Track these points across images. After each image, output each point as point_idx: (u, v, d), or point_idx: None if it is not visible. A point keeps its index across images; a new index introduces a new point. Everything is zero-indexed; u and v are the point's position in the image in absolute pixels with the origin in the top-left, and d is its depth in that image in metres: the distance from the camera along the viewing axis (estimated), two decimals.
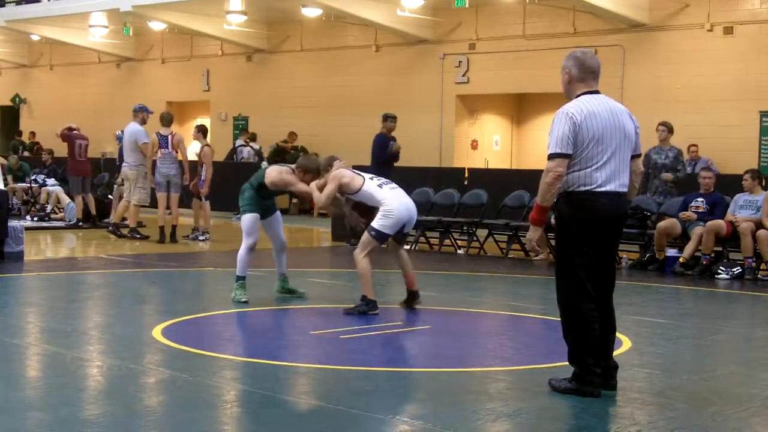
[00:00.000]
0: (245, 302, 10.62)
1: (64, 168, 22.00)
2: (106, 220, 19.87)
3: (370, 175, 10.55)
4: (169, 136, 17.54)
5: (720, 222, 14.24)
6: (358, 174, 10.51)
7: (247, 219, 10.76)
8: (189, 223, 18.84)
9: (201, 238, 17.89)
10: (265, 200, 10.89)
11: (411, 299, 10.66)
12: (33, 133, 32.71)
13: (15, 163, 24.11)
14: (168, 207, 17.61)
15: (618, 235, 7.04)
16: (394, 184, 10.56)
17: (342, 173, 10.46)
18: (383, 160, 17.82)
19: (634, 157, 7.01)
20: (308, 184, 10.51)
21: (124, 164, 18.27)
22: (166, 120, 17.83)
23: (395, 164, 17.95)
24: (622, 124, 6.87)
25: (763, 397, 7.09)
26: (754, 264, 13.97)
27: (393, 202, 10.23)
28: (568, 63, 6.98)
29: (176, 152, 17.55)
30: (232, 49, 28.31)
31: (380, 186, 10.37)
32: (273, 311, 10.59)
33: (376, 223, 10.19)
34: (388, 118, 18.26)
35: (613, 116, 6.84)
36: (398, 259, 10.71)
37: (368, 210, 10.55)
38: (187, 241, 17.70)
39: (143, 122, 18.11)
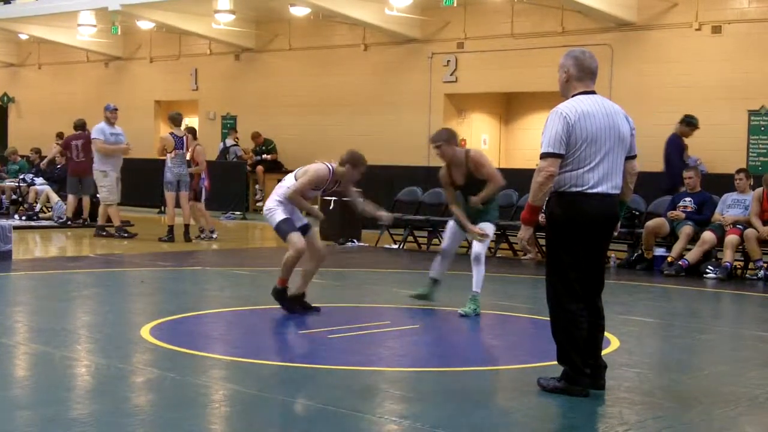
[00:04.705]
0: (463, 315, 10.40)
1: (55, 167, 22.11)
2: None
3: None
4: (185, 138, 17.60)
5: (711, 236, 14.23)
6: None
7: None
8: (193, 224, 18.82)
9: (214, 236, 17.99)
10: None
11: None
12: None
13: (11, 154, 24.42)
14: (178, 206, 17.69)
15: (608, 237, 7.03)
16: (281, 180, 10.32)
17: None
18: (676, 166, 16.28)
19: (630, 158, 7.01)
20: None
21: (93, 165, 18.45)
22: (176, 120, 17.84)
23: None
24: (617, 126, 6.85)
25: (751, 396, 7.11)
26: (731, 267, 14.03)
27: None
28: (567, 62, 6.94)
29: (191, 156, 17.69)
30: (220, 48, 28.25)
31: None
32: (261, 311, 10.56)
33: None
34: (690, 123, 16.66)
35: (608, 117, 6.82)
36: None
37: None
38: (198, 241, 17.75)
39: (109, 121, 18.14)
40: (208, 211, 18.95)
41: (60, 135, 29.89)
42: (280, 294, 10.19)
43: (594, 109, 6.80)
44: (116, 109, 18.52)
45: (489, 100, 24.94)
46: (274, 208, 10.05)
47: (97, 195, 21.26)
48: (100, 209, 18.20)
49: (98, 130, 18.14)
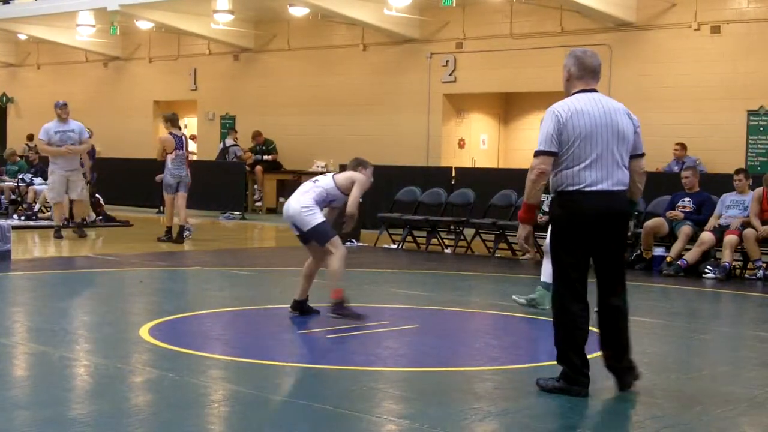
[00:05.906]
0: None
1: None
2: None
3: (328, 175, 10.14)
4: (183, 138, 17.55)
5: (710, 236, 14.21)
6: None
7: None
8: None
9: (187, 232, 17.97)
10: None
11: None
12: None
13: (10, 156, 24.41)
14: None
15: (616, 233, 6.92)
16: (315, 180, 9.97)
17: None
18: None
19: (636, 156, 7.00)
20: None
21: None
22: (174, 120, 17.69)
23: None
24: (614, 122, 6.82)
25: (750, 396, 7.11)
26: (729, 267, 14.02)
27: None
28: (568, 61, 6.97)
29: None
30: (219, 48, 28.25)
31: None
32: (260, 310, 10.57)
33: None
34: None
35: (605, 114, 6.80)
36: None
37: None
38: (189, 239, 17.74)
39: (60, 118, 17.84)
40: (204, 211, 18.94)
41: (30, 137, 29.86)
42: (340, 306, 9.77)
43: (589, 106, 6.79)
44: (65, 105, 17.89)
45: (488, 100, 24.95)
46: (312, 206, 9.64)
47: (97, 194, 21.36)
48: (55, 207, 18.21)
49: (43, 130, 17.73)
